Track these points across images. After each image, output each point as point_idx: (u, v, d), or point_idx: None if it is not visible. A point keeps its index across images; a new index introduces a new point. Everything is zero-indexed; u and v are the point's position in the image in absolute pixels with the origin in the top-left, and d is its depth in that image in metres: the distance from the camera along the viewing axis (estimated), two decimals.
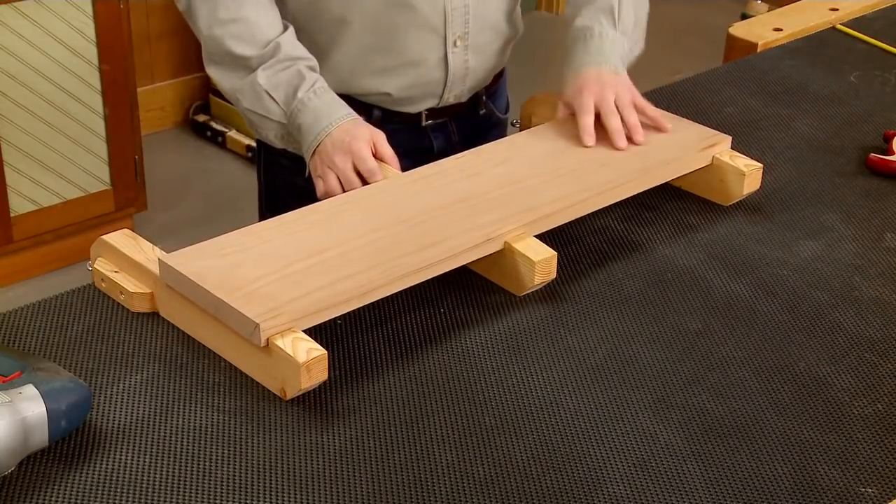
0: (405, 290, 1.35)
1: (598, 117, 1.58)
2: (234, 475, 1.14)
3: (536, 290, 1.43)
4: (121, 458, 1.15)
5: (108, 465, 1.14)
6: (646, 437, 1.21)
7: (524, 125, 1.77)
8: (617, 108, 1.58)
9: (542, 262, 1.39)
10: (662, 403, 1.25)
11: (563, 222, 1.46)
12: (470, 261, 1.38)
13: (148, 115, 3.79)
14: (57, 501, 1.10)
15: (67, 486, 1.12)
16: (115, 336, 1.31)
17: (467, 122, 1.79)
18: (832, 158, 1.77)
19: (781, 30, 2.27)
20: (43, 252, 3.12)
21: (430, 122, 1.74)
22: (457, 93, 1.72)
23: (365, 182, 1.52)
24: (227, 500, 1.11)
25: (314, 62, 1.59)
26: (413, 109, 1.72)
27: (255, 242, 1.35)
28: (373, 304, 1.33)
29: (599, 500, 1.13)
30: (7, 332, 1.32)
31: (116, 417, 1.20)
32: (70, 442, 1.17)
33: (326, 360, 1.21)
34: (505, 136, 1.86)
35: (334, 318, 1.30)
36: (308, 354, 1.20)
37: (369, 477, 1.14)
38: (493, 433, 1.21)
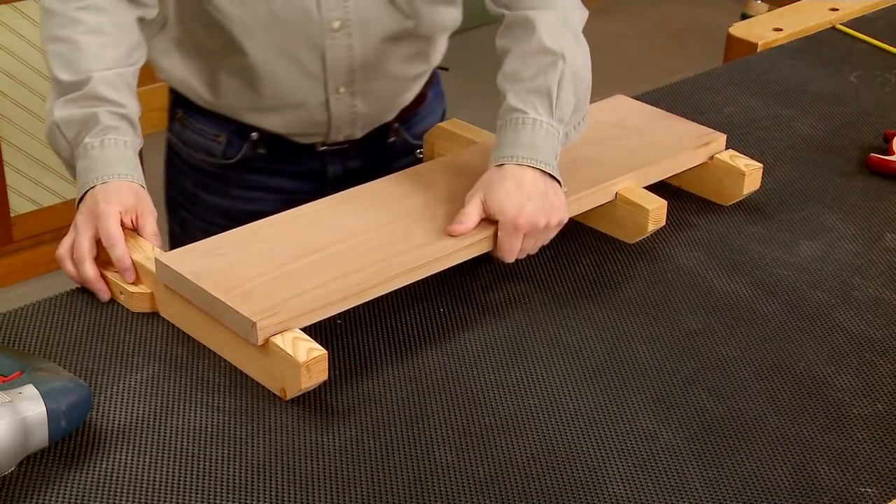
0: (405, 290, 1.35)
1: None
2: (234, 475, 1.14)
3: (536, 289, 1.43)
4: (121, 458, 1.15)
5: (108, 465, 1.14)
6: (646, 437, 1.21)
7: None
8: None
9: (655, 209, 1.48)
10: (662, 403, 1.25)
11: None
12: (463, 260, 1.38)
13: (148, 115, 3.78)
14: (57, 501, 1.10)
15: (67, 486, 1.12)
16: (115, 336, 1.31)
17: (372, 151, 1.65)
18: (832, 158, 1.77)
19: (781, 30, 2.27)
20: (43, 252, 3.11)
21: (325, 148, 1.61)
22: (346, 133, 1.59)
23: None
24: (227, 500, 1.11)
25: (130, 110, 1.44)
26: (302, 141, 1.60)
27: (250, 242, 1.35)
28: (373, 303, 1.33)
29: (599, 500, 1.13)
30: (7, 332, 1.32)
31: (116, 417, 1.20)
32: (70, 442, 1.17)
33: (326, 360, 1.21)
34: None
35: (334, 318, 1.30)
36: (308, 354, 1.20)
37: (369, 477, 1.14)
38: (493, 433, 1.20)
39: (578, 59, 1.46)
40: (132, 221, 1.38)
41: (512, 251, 1.38)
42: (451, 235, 1.37)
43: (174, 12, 1.54)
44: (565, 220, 1.42)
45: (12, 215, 3.04)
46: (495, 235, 1.38)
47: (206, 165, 1.64)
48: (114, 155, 1.40)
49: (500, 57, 1.48)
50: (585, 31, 1.51)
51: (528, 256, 1.42)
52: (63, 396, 1.13)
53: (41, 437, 1.12)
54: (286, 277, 1.28)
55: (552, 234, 1.42)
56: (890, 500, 1.14)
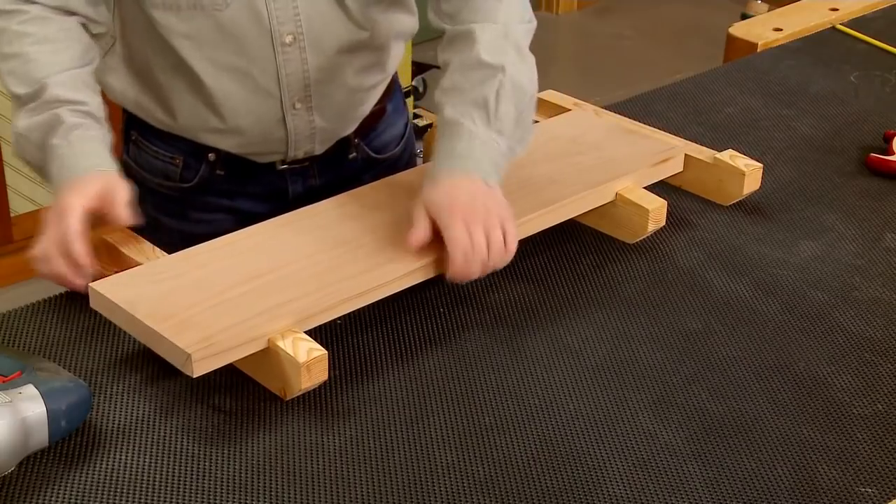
0: (405, 291, 1.34)
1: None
2: (234, 475, 1.14)
3: (536, 289, 1.43)
4: (121, 458, 1.15)
5: (108, 465, 1.14)
6: (646, 437, 1.21)
7: None
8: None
9: (655, 209, 1.49)
10: (662, 403, 1.25)
11: None
12: (413, 283, 1.33)
13: None
14: (57, 501, 1.10)
15: (67, 486, 1.12)
16: (115, 336, 1.31)
17: (333, 168, 1.61)
18: (832, 158, 1.77)
19: (781, 30, 2.27)
20: None
21: (285, 167, 1.58)
22: (306, 149, 1.56)
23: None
24: (227, 500, 1.11)
25: (92, 106, 1.40)
26: (261, 160, 1.57)
27: (190, 267, 1.30)
28: (372, 304, 1.33)
29: (599, 500, 1.13)
30: (7, 332, 1.32)
31: (116, 417, 1.20)
32: (70, 442, 1.17)
33: (327, 360, 1.21)
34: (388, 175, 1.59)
35: (334, 318, 1.30)
36: (308, 354, 1.20)
37: (369, 477, 1.14)
38: (493, 433, 1.21)
39: (520, 71, 1.42)
40: (103, 207, 1.32)
41: (458, 242, 1.30)
42: (413, 246, 1.32)
43: (120, 31, 1.50)
44: (508, 217, 1.35)
45: (12, 215, 3.04)
46: (441, 261, 1.33)
47: (163, 189, 1.59)
48: (81, 150, 1.36)
49: (443, 70, 1.45)
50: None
51: (522, 252, 1.42)
52: (63, 396, 1.13)
53: (41, 437, 1.12)
54: (225, 305, 1.23)
55: (498, 224, 1.33)
56: (890, 500, 1.14)
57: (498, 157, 1.38)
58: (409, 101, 3.36)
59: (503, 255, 1.34)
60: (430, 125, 3.38)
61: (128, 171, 1.60)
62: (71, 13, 1.43)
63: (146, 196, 1.57)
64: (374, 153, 1.65)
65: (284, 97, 1.49)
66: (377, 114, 1.63)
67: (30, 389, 1.12)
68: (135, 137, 1.60)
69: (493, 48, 1.41)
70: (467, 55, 1.42)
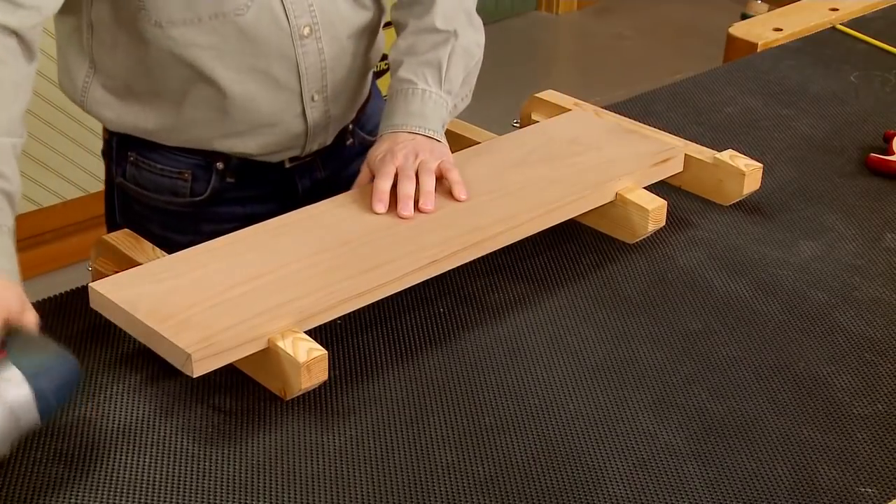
0: (405, 291, 1.34)
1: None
2: (234, 475, 1.14)
3: (536, 289, 1.43)
4: (121, 458, 1.15)
5: (108, 465, 1.14)
6: (646, 437, 1.21)
7: (524, 124, 1.77)
8: (417, 172, 1.43)
9: (655, 209, 1.49)
10: (662, 403, 1.26)
11: (509, 242, 1.41)
12: (414, 283, 1.33)
13: None
14: (57, 501, 1.10)
15: (67, 486, 1.12)
16: (115, 336, 1.31)
17: (335, 158, 1.63)
18: (832, 158, 1.77)
19: (781, 30, 2.27)
20: (43, 252, 3.12)
21: (293, 164, 1.59)
22: (320, 140, 1.57)
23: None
24: (227, 500, 1.11)
25: (14, 185, 1.26)
26: (277, 159, 1.57)
27: (190, 267, 1.29)
28: (373, 304, 1.33)
29: (599, 500, 1.13)
30: None
31: (116, 417, 1.20)
32: (70, 442, 1.17)
33: (326, 360, 1.21)
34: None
35: (334, 319, 1.30)
36: (308, 354, 1.19)
37: (369, 477, 1.15)
38: (493, 433, 1.21)
39: (469, 36, 1.56)
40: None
41: (387, 172, 1.42)
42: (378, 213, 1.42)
43: (112, 61, 1.48)
44: (448, 156, 1.47)
45: None
46: (440, 261, 1.35)
47: (172, 206, 1.56)
48: None
49: (396, 30, 1.58)
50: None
51: (522, 252, 1.42)
52: (48, 374, 1.10)
53: (31, 417, 1.09)
54: (225, 305, 1.23)
55: (433, 159, 1.45)
56: (890, 500, 1.14)
57: (445, 115, 1.52)
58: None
59: (433, 176, 1.43)
60: None
61: (126, 193, 1.59)
62: (27, 55, 1.31)
63: (152, 216, 1.56)
64: (367, 136, 1.66)
65: (304, 90, 1.51)
66: (368, 97, 1.67)
67: (14, 373, 1.09)
68: (133, 158, 1.55)
69: (447, 16, 1.54)
70: (423, 20, 1.55)
